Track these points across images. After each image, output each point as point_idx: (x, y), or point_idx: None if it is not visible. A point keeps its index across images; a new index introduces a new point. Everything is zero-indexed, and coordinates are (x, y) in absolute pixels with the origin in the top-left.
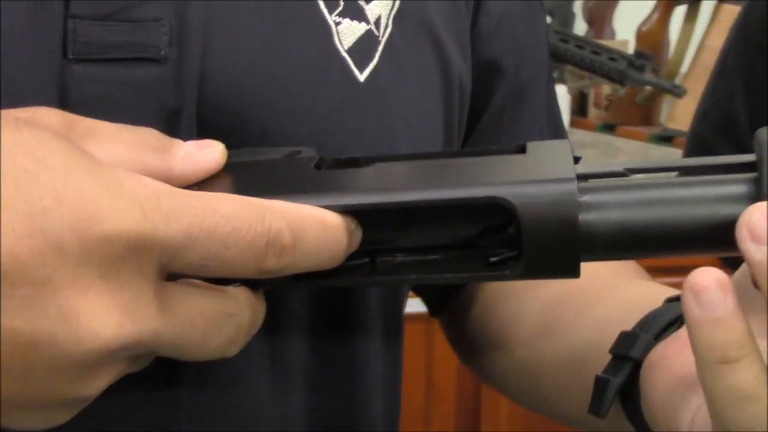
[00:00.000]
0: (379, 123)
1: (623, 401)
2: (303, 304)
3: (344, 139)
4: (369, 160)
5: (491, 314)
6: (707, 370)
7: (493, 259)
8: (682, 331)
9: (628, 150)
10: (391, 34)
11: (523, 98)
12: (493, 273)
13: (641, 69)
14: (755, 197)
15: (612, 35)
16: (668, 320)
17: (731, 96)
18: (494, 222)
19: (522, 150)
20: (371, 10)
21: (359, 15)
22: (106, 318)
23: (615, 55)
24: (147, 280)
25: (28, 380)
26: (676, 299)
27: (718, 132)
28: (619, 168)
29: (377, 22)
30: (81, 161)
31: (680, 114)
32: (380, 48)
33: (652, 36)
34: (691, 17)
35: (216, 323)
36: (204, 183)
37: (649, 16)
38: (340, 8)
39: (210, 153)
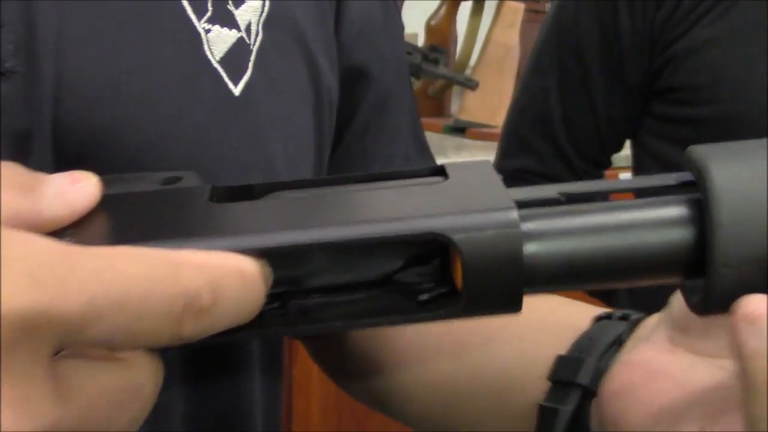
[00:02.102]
0: (255, 140)
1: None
2: (175, 349)
3: (218, 159)
4: (265, 189)
5: (382, 333)
6: (760, 401)
7: (423, 297)
8: (635, 355)
9: None
10: (262, 42)
11: (386, 109)
12: (428, 314)
13: (435, 62)
14: (701, 219)
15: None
16: (608, 342)
17: (546, 93)
18: (416, 254)
19: (441, 172)
20: (241, 16)
21: (229, 21)
22: None
23: (410, 48)
24: (41, 364)
25: None
26: (606, 317)
27: (533, 128)
28: (553, 193)
29: (248, 29)
30: None
31: (470, 106)
32: (252, 57)
33: (440, 30)
34: (476, 12)
35: (120, 402)
36: (79, 225)
37: (437, 11)
38: (209, 14)
39: (84, 188)
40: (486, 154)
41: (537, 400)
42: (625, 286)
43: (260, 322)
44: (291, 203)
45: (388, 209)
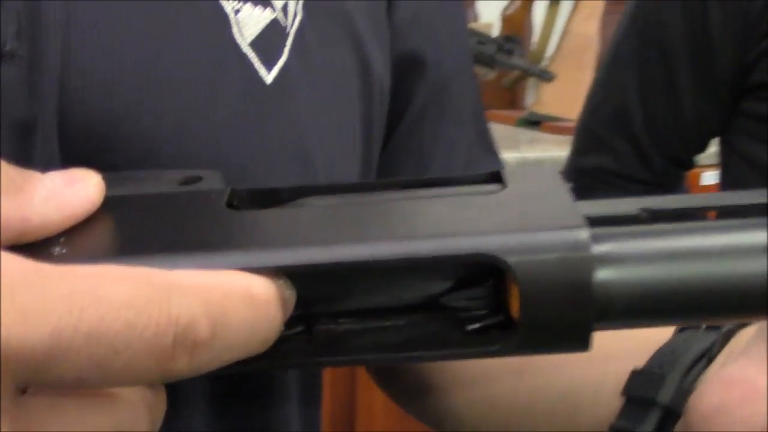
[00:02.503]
0: (290, 133)
1: None
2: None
3: (246, 154)
4: (294, 193)
5: None
6: None
7: (472, 327)
8: (731, 372)
9: (497, 134)
10: (301, 24)
11: (445, 98)
12: (477, 348)
13: (510, 53)
14: None
15: (475, 18)
16: (694, 357)
17: (624, 90)
18: (467, 275)
19: (497, 178)
20: None
21: (262, 0)
22: None
23: (484, 38)
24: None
25: None
26: (691, 328)
27: (610, 126)
28: (633, 208)
29: (285, 9)
30: None
31: (546, 98)
32: (289, 41)
33: (516, 20)
34: (554, 2)
35: None
36: (75, 232)
37: (513, 1)
38: None
39: (82, 189)
40: (561, 148)
41: (608, 420)
42: (715, 323)
43: (279, 351)
44: (321, 212)
45: (433, 223)
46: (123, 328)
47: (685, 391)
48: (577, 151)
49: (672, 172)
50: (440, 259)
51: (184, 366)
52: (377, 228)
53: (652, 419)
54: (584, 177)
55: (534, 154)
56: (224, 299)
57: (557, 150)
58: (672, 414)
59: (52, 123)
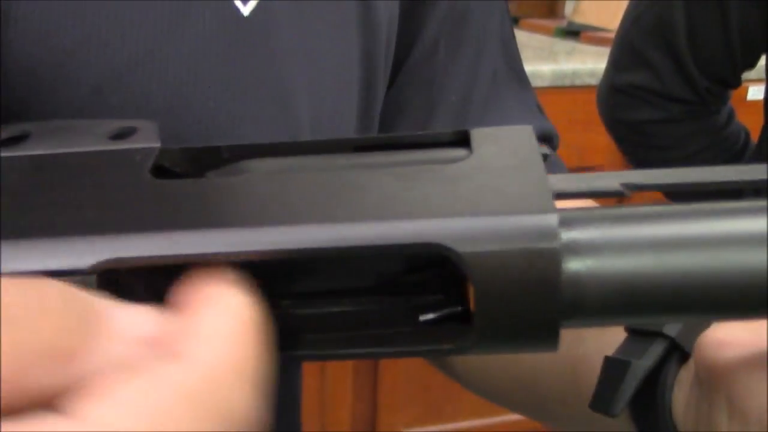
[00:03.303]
0: (268, 75)
1: (636, 398)
2: None
3: (213, 98)
4: (234, 153)
5: None
6: None
7: (424, 318)
8: None
9: (533, 45)
10: None
11: (463, 25)
12: (429, 346)
13: None
14: None
15: None
16: None
17: (668, 1)
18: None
19: (464, 140)
20: None
21: None
22: None
23: None
24: None
25: None
26: None
27: (651, 40)
28: (612, 182)
29: None
30: None
31: (586, 7)
32: None
33: None
34: None
35: None
36: None
37: None
38: None
39: None
40: (601, 61)
41: None
42: (704, 319)
43: None
44: (255, 184)
45: (377, 204)
46: None
47: (697, 326)
48: (614, 67)
49: (716, 91)
50: (381, 248)
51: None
52: (315, 207)
53: (655, 352)
54: (620, 95)
55: (571, 66)
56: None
57: (597, 62)
58: (677, 349)
59: None
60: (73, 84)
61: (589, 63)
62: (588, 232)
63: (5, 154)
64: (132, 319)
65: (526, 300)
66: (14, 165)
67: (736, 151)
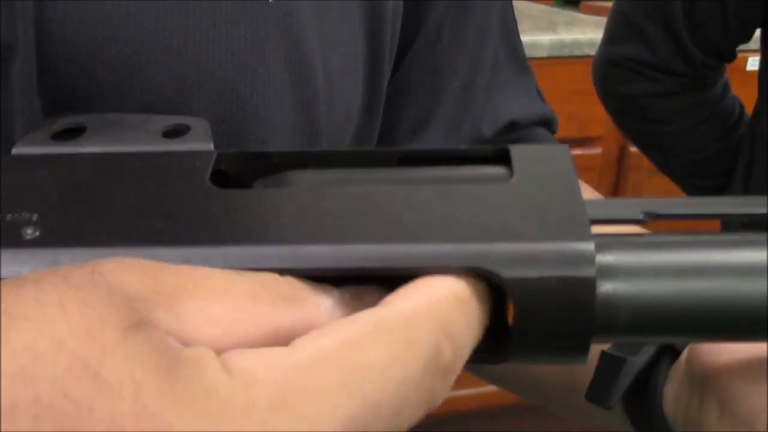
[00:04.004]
0: (293, 57)
1: (630, 392)
2: None
3: (242, 81)
4: (284, 160)
5: None
6: None
7: None
8: None
9: (532, 15)
10: None
11: (466, 10)
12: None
13: None
14: None
15: None
16: None
17: None
18: None
19: (504, 158)
20: None
21: None
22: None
23: None
24: None
25: None
26: None
27: (647, 12)
28: (636, 211)
29: None
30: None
31: None
32: None
33: None
34: None
35: None
36: (45, 209)
37: None
38: None
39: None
40: (601, 31)
41: None
42: (723, 341)
43: None
44: (305, 197)
45: (423, 222)
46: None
47: None
48: (611, 39)
49: (711, 64)
50: (428, 269)
51: (441, 392)
52: (360, 224)
53: (649, 349)
54: (615, 68)
55: (571, 37)
56: (449, 314)
57: (596, 33)
58: (669, 347)
59: (31, 46)
60: (111, 68)
61: (589, 33)
62: (620, 257)
63: (66, 150)
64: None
65: (563, 319)
66: (77, 163)
67: (730, 125)
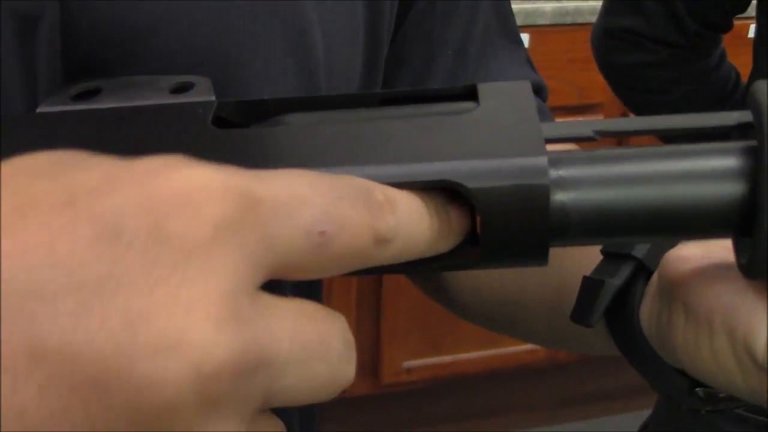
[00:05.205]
0: (291, 28)
1: (610, 311)
2: None
3: (245, 48)
4: (279, 106)
5: None
6: None
7: None
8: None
9: None
10: None
11: None
12: (442, 262)
13: None
14: (754, 172)
15: None
16: None
17: None
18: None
19: (472, 94)
20: None
21: None
22: (208, 325)
23: None
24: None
25: None
26: None
27: None
28: (586, 130)
29: None
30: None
31: None
32: None
33: None
34: None
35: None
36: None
37: None
38: None
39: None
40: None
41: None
42: (665, 240)
43: None
44: (297, 132)
45: (402, 148)
46: (334, 179)
47: (659, 249)
48: (607, 12)
49: (707, 35)
50: (407, 184)
51: (387, 226)
52: (348, 151)
53: (625, 272)
54: (612, 39)
55: (573, 4)
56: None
57: (598, 0)
58: (644, 268)
59: (56, 18)
60: (126, 41)
61: (591, 0)
62: (571, 170)
63: (84, 107)
64: None
65: (522, 224)
66: (95, 118)
67: (725, 94)
